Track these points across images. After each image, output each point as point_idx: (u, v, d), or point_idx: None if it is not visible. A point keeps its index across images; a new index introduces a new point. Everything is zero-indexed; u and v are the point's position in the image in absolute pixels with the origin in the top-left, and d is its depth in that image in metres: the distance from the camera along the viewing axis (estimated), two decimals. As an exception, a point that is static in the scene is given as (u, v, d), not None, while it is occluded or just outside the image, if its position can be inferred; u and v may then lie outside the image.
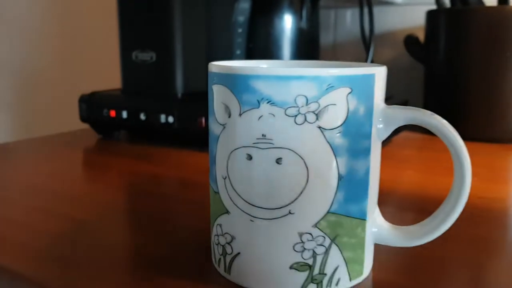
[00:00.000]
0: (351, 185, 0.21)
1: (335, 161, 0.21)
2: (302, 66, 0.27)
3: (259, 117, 0.20)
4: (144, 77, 0.53)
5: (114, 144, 0.54)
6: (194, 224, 0.31)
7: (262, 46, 0.70)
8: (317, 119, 0.20)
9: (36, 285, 0.23)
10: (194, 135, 0.50)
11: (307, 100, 0.20)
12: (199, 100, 0.51)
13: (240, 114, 0.21)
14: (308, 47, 0.73)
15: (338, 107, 0.20)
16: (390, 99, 0.56)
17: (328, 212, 0.21)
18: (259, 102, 0.20)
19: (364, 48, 0.68)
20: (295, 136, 0.20)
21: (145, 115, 0.51)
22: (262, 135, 0.20)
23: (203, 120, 0.48)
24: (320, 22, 0.73)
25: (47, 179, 0.41)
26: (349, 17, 0.78)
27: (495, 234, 0.29)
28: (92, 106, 0.54)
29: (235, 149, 0.21)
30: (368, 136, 0.21)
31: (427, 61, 0.62)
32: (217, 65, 0.22)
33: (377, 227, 0.24)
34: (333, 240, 0.21)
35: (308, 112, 0.20)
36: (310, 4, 0.71)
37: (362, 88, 0.21)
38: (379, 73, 0.21)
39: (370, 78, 0.21)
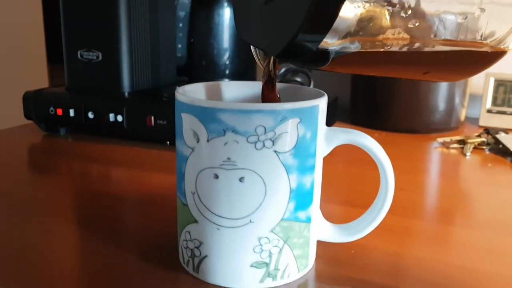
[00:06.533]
0: (300, 196, 0.26)
1: (287, 178, 0.25)
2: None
3: (225, 143, 0.24)
4: (90, 76, 0.54)
5: (61, 141, 0.55)
6: (152, 225, 0.34)
7: (203, 40, 0.72)
8: (273, 144, 0.24)
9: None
10: (143, 133, 0.52)
11: (265, 129, 0.24)
12: (146, 99, 0.54)
13: (208, 140, 0.24)
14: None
15: (290, 134, 0.24)
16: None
17: (282, 219, 0.25)
18: (224, 131, 0.24)
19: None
20: (255, 159, 0.24)
21: (93, 114, 0.52)
22: (228, 158, 0.24)
23: (152, 118, 0.51)
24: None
25: None
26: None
27: (414, 223, 0.36)
28: (37, 104, 0.55)
29: (203, 169, 0.25)
30: (313, 155, 0.26)
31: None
32: (186, 97, 0.25)
33: (320, 227, 0.28)
34: (285, 242, 0.26)
35: (266, 139, 0.24)
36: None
37: (309, 117, 0.25)
38: (322, 103, 0.26)
39: (315, 108, 0.25)
